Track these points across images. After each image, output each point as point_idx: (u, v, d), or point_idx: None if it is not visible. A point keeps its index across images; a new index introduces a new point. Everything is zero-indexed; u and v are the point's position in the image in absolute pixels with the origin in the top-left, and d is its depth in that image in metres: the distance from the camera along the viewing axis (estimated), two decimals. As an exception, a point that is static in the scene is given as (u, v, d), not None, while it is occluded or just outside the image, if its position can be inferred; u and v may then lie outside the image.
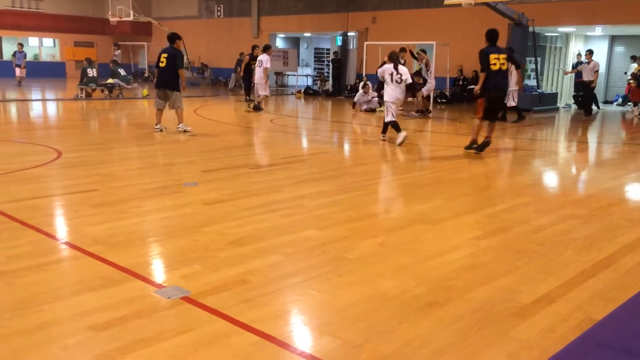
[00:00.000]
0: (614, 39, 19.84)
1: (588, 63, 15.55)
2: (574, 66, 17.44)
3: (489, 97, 8.28)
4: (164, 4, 29.13)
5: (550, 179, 7.49)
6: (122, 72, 17.66)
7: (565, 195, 6.45)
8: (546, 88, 18.54)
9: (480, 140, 8.46)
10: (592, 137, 12.19)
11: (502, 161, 8.52)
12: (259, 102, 14.62)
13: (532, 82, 17.97)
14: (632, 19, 15.89)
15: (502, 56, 8.31)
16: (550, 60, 19.52)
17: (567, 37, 19.49)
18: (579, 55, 18.13)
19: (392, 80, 9.36)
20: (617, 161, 8.64)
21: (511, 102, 13.00)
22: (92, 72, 16.77)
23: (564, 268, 3.79)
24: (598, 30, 18.31)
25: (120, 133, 10.81)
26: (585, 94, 15.90)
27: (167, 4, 28.94)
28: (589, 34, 19.36)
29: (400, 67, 9.41)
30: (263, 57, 14.24)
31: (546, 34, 18.93)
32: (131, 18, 24.54)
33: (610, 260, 3.95)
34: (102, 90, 17.21)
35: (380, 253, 4.04)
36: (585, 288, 3.45)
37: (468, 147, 8.62)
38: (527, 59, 17.10)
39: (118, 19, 24.79)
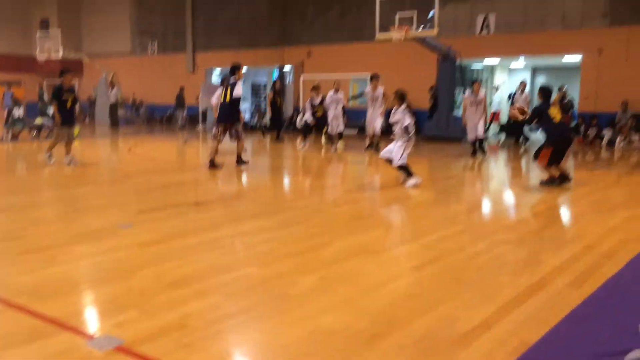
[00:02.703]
0: (535, 71, 21.03)
1: (521, 93, 15.94)
2: (511, 96, 17.56)
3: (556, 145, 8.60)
4: (96, 40, 28.56)
5: (484, 206, 7.75)
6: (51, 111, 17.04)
7: (497, 221, 6.68)
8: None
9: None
10: (521, 164, 12.76)
11: (438, 190, 8.75)
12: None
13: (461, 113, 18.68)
14: (550, 50, 16.93)
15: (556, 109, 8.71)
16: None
17: (492, 68, 20.50)
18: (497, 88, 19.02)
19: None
20: (544, 186, 9.02)
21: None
22: (18, 112, 16.09)
23: (499, 293, 3.90)
24: (520, 61, 19.37)
25: (49, 176, 10.38)
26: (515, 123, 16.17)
27: (99, 40, 28.38)
28: (511, 67, 20.43)
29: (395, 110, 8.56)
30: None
31: (472, 67, 19.84)
32: (60, 55, 23.84)
33: (542, 283, 4.09)
34: (30, 131, 16.53)
35: (322, 287, 4.02)
36: (520, 312, 3.55)
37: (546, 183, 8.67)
38: (457, 90, 17.82)
39: (47, 56, 24.03)
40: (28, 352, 2.95)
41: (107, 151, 14.88)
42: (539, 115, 8.72)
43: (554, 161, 8.55)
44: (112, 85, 22.57)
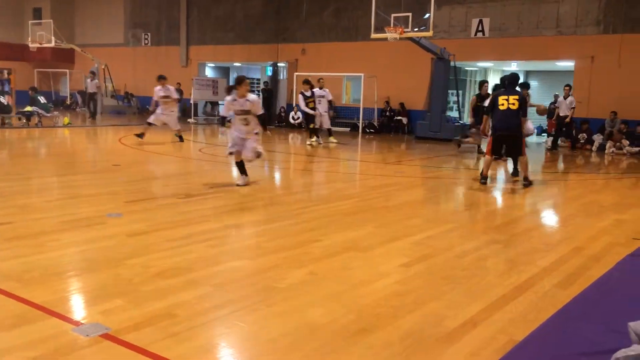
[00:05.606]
0: (528, 74, 21.17)
1: (565, 98, 15.16)
2: (552, 103, 17.06)
3: (496, 136, 8.47)
4: (88, 30, 28.32)
5: (474, 206, 7.78)
6: (41, 99, 16.91)
7: (486, 222, 6.71)
8: (467, 119, 19.41)
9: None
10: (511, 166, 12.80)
11: (430, 189, 8.77)
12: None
13: (454, 114, 18.79)
14: (543, 56, 17.05)
15: (512, 97, 8.40)
16: (470, 93, 20.52)
17: (485, 71, 20.59)
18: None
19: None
20: (534, 188, 9.09)
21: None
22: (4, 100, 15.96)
23: (487, 292, 3.91)
24: (513, 65, 19.49)
25: (38, 163, 10.29)
26: (558, 128, 15.61)
27: (92, 30, 28.15)
28: (505, 68, 20.56)
29: (250, 95, 8.12)
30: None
31: (466, 68, 19.92)
32: (52, 44, 23.64)
33: (529, 283, 4.12)
34: (20, 119, 16.40)
35: (310, 282, 4.02)
36: (507, 311, 3.57)
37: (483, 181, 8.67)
38: (450, 91, 17.87)
39: (38, 45, 23.82)
40: (14, 336, 2.92)
41: (97, 140, 14.78)
42: (492, 103, 8.48)
43: (495, 152, 8.64)
44: (92, 75, 22.16)
